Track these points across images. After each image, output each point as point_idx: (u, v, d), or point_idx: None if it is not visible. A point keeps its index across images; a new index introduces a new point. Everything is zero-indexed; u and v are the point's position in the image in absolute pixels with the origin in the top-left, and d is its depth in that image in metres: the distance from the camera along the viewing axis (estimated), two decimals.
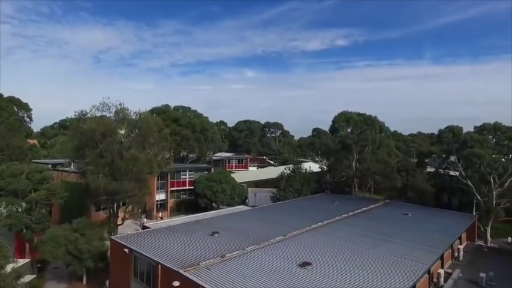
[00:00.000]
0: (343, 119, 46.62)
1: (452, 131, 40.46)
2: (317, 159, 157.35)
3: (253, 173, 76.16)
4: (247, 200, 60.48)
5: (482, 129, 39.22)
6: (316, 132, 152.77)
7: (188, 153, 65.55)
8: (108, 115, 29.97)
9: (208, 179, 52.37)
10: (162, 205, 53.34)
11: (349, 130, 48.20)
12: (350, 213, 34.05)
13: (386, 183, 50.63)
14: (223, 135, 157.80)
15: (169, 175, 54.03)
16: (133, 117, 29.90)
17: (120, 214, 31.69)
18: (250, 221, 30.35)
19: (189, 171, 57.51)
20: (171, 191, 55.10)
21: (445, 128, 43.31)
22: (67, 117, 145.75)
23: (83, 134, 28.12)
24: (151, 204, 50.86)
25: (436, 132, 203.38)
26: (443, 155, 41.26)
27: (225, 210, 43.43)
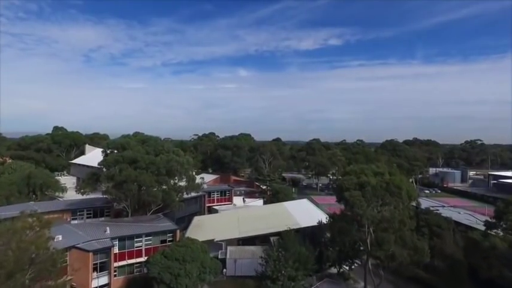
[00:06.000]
0: (355, 181, 32.22)
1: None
2: (310, 175, 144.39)
3: (237, 217, 62.02)
4: (224, 270, 46.41)
5: None
6: (311, 148, 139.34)
7: (151, 202, 51.06)
8: None
9: (167, 257, 38.01)
10: None
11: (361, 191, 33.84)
12: None
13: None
14: (208, 151, 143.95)
15: (116, 246, 40.04)
16: None
17: None
18: None
19: (146, 236, 43.31)
20: (120, 266, 40.91)
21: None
22: (39, 134, 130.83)
23: None
24: None
25: (432, 139, 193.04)
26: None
27: None
